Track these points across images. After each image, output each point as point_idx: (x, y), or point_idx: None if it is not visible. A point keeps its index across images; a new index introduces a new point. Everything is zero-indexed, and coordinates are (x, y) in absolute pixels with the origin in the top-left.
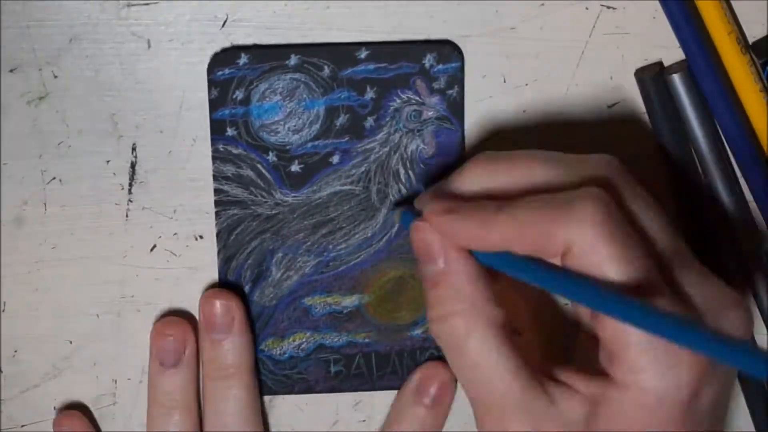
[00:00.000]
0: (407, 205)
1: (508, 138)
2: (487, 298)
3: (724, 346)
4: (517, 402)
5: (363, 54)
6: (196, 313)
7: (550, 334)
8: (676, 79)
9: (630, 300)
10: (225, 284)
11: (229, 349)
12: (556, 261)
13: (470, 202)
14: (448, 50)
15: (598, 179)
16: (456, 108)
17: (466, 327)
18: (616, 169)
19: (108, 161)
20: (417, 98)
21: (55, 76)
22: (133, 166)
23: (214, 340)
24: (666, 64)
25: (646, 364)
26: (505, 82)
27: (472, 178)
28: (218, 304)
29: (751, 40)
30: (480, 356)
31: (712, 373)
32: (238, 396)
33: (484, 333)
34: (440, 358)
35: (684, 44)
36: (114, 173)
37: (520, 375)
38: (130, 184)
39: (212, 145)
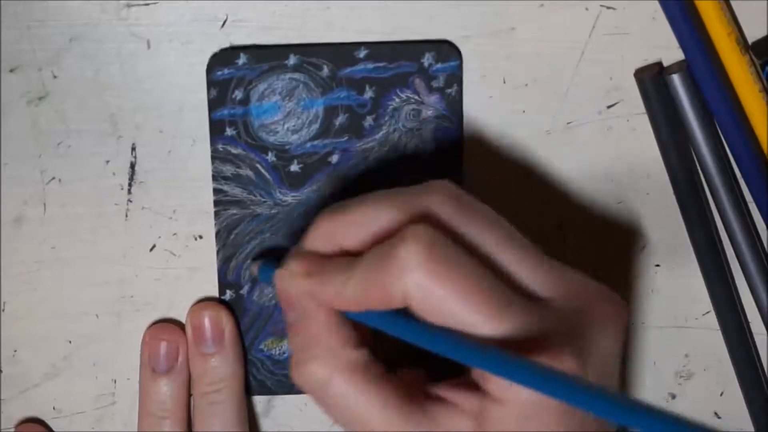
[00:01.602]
0: (266, 258)
1: (508, 138)
2: (345, 341)
3: (562, 386)
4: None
5: (362, 53)
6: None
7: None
8: (676, 79)
9: (470, 346)
10: (224, 284)
11: (220, 364)
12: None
13: (328, 263)
14: (447, 49)
15: (425, 214)
16: (455, 107)
17: (324, 372)
18: (444, 195)
19: (108, 161)
20: (416, 97)
21: (55, 76)
22: (132, 166)
23: (204, 354)
24: (666, 64)
25: None
26: (505, 82)
27: (319, 240)
28: (207, 317)
29: (751, 40)
30: (345, 398)
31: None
32: (230, 409)
33: (344, 376)
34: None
35: (684, 44)
36: (114, 173)
37: (394, 405)
38: (130, 184)
39: (211, 145)
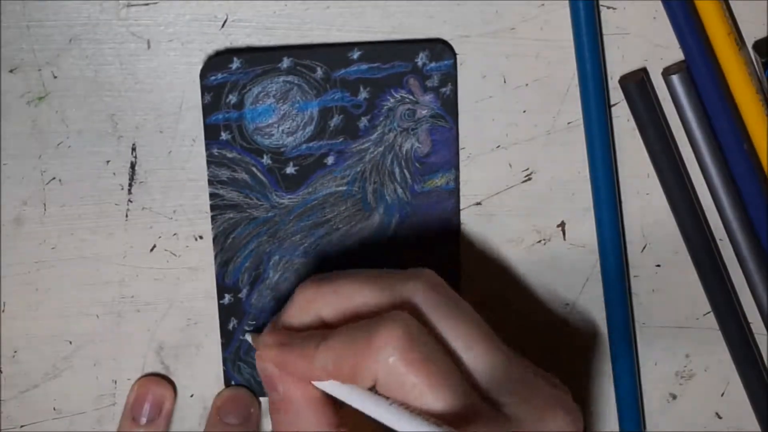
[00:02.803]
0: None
1: (508, 138)
2: (327, 420)
3: None
4: None
5: (355, 54)
6: (194, 314)
7: None
8: (676, 79)
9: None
10: (223, 287)
11: None
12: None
13: (300, 335)
14: (441, 48)
15: (405, 301)
16: (450, 106)
17: None
18: (426, 286)
19: (108, 161)
20: (410, 97)
21: (55, 77)
22: (132, 166)
23: (136, 419)
24: (666, 64)
25: None
26: (505, 82)
27: (299, 310)
28: (152, 392)
29: (751, 41)
30: None
31: None
32: None
33: None
34: None
35: (684, 44)
36: (114, 173)
37: None
38: (130, 185)
39: (207, 149)
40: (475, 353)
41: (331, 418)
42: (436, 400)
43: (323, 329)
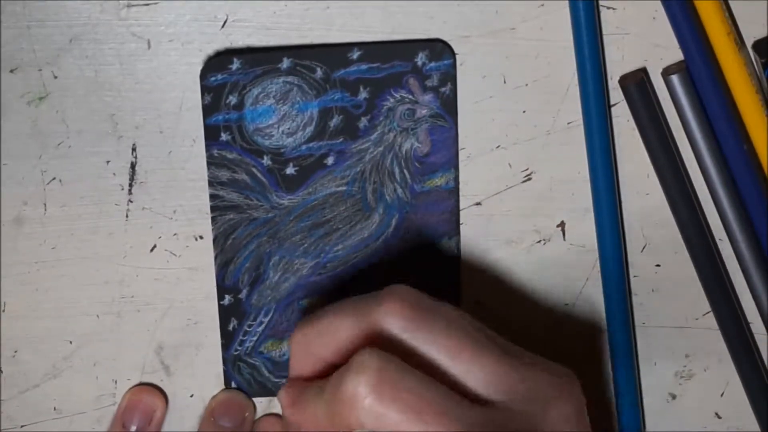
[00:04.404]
0: None
1: (508, 138)
2: None
3: None
4: None
5: (355, 54)
6: (194, 314)
7: None
8: (675, 79)
9: None
10: (223, 288)
11: None
12: None
13: (309, 387)
14: (440, 48)
15: (377, 331)
16: (449, 105)
17: None
18: (396, 307)
19: (108, 161)
20: (410, 97)
21: (55, 77)
22: (133, 166)
23: (126, 427)
24: (666, 64)
25: None
26: (505, 82)
27: (300, 360)
28: (143, 401)
29: (751, 41)
30: None
31: None
32: None
33: None
34: None
35: (683, 44)
36: (114, 173)
37: None
38: (130, 185)
39: (207, 150)
40: (462, 360)
41: None
42: (421, 426)
43: (324, 380)
